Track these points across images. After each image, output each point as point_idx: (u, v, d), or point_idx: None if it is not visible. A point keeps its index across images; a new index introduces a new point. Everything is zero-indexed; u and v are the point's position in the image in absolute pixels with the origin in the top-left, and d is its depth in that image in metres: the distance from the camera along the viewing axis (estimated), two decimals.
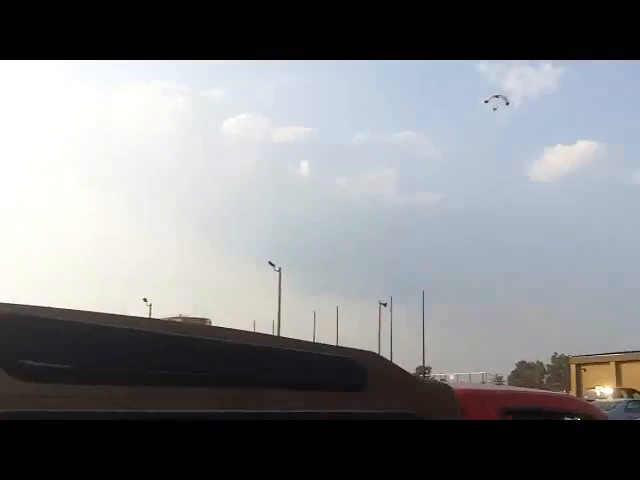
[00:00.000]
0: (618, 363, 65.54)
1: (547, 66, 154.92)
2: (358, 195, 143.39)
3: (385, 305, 78.67)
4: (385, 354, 77.19)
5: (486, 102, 54.39)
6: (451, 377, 76.18)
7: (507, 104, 55.22)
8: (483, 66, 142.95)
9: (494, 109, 52.79)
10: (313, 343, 4.62)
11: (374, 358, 4.58)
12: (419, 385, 4.95)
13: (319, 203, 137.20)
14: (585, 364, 69.59)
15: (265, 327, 78.23)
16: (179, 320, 71.09)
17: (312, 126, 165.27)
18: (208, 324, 73.37)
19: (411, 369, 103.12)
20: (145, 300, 74.37)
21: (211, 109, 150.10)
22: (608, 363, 66.25)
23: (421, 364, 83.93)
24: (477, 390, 5.81)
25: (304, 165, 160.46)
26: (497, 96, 53.89)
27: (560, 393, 6.32)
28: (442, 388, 4.96)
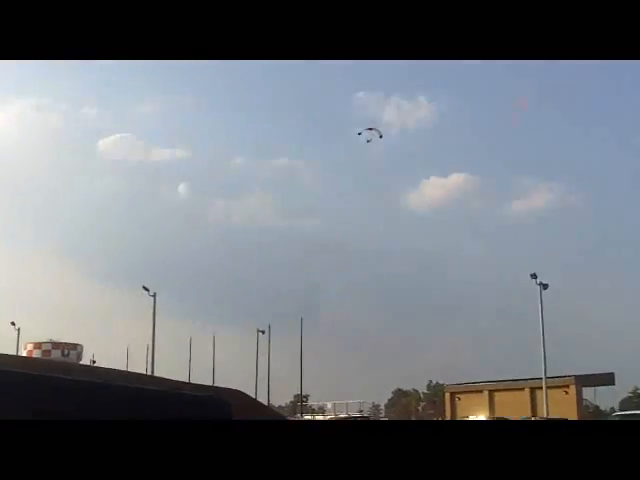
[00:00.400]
0: (491, 392, 67.68)
1: (423, 99, 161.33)
2: (237, 219, 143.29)
3: (263, 333, 78.29)
4: (263, 382, 76.71)
5: (359, 134, 55.00)
6: (328, 405, 76.30)
7: (380, 137, 56.01)
8: (362, 96, 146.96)
9: (368, 141, 53.68)
10: (185, 383, 4.72)
11: (238, 396, 4.72)
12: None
13: (196, 226, 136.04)
14: (459, 392, 71.50)
15: (140, 352, 76.26)
16: (49, 345, 69.14)
17: (190, 149, 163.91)
18: (79, 350, 71.58)
19: (289, 397, 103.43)
20: (13, 324, 71.22)
21: (86, 128, 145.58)
22: (481, 392, 68.31)
23: (299, 392, 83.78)
24: None
25: (181, 187, 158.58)
26: (371, 129, 54.82)
27: None
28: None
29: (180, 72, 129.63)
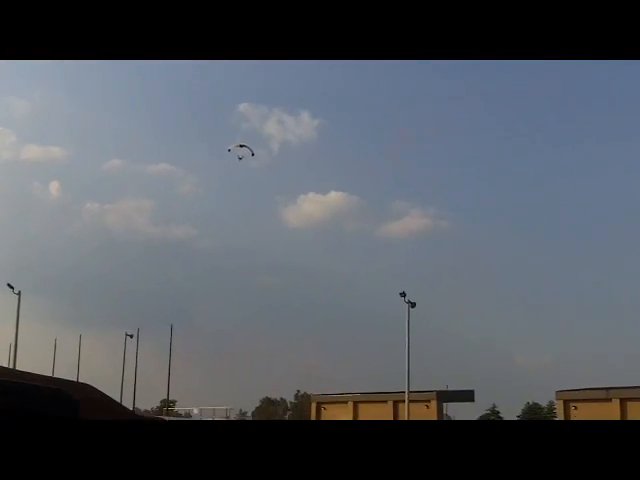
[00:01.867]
0: (356, 403, 68.95)
1: (306, 115, 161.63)
2: (111, 223, 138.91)
3: (132, 337, 76.65)
4: (129, 386, 75.20)
5: (229, 151, 53.42)
6: (195, 411, 75.70)
7: (252, 155, 55.14)
8: (244, 108, 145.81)
9: (240, 158, 52.22)
10: (27, 373, 4.58)
11: (87, 389, 4.63)
12: (129, 415, 5.15)
13: (67, 227, 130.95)
14: (325, 403, 72.39)
15: (2, 352, 73.12)
16: None
17: (66, 147, 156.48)
18: None
19: (156, 402, 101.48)
20: None
21: None
22: (346, 403, 69.47)
23: (166, 397, 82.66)
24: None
25: (53, 186, 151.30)
26: (242, 145, 53.20)
27: None
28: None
29: (59, 68, 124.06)
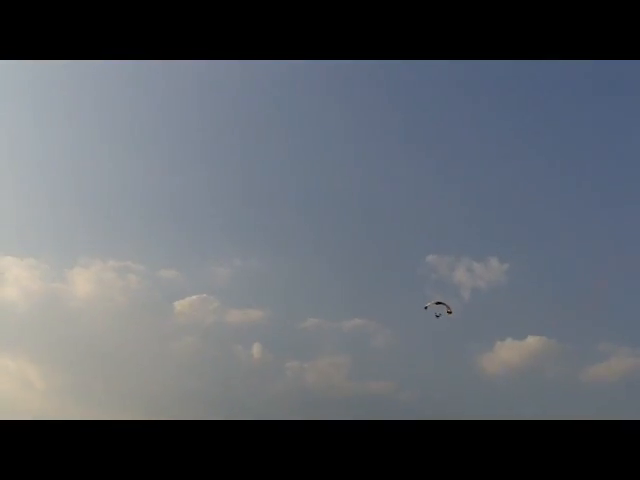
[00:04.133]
0: None
1: (494, 261, 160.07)
2: (311, 380, 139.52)
3: None
4: None
5: (426, 308, 53.39)
6: None
7: (449, 313, 53.83)
8: (432, 258, 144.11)
9: (437, 316, 52.28)
10: None
11: None
12: None
13: (269, 386, 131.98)
14: None
15: None
16: None
17: (264, 309, 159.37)
18: None
19: None
20: None
21: (164, 289, 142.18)
22: None
23: None
24: None
25: (255, 347, 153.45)
26: (439, 303, 53.44)
27: None
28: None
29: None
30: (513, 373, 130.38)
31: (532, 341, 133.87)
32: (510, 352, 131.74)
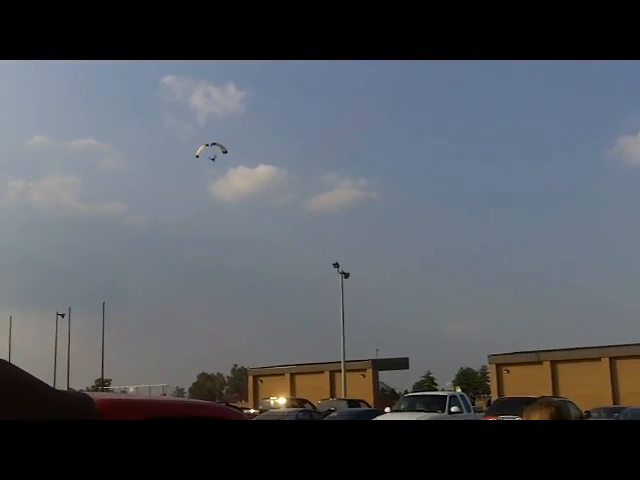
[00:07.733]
0: (293, 375, 69.46)
1: (232, 87, 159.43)
2: (38, 201, 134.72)
3: (63, 316, 75.06)
4: (63, 365, 73.91)
5: (197, 157, 50.21)
6: (131, 389, 74.95)
7: (225, 152, 49.86)
8: (169, 81, 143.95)
9: (212, 159, 48.62)
10: None
11: None
12: (51, 392, 4.93)
13: None
14: (262, 375, 72.70)
15: None
16: None
17: None
18: None
19: (91, 381, 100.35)
20: None
21: None
22: (283, 375, 69.92)
23: (100, 376, 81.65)
24: (119, 400, 5.95)
25: None
26: (213, 144, 49.40)
27: (209, 402, 7.11)
28: (81, 397, 5.13)
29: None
30: (243, 199, 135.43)
31: (263, 170, 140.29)
32: (242, 180, 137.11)
